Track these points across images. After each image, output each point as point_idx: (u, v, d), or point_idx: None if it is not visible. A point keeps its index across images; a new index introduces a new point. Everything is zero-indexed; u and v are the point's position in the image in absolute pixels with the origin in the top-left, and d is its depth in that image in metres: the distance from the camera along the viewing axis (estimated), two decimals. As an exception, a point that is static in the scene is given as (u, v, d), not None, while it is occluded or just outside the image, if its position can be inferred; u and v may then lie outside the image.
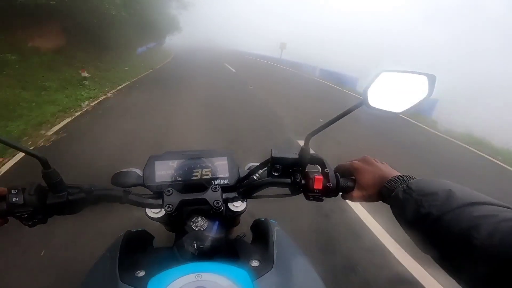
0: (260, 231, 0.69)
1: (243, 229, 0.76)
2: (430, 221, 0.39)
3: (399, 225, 0.46)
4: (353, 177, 0.58)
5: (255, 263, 0.52)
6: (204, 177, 0.63)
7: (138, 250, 0.62)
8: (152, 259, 0.56)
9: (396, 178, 0.50)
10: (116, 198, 0.56)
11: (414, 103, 0.48)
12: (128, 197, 0.56)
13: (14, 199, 0.49)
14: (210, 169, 0.64)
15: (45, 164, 0.49)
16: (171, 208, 0.54)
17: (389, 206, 0.49)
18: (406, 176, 0.50)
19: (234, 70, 14.12)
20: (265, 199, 0.63)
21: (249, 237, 0.73)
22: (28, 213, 0.49)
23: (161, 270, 0.45)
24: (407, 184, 0.46)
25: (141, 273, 0.50)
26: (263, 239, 0.64)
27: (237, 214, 0.66)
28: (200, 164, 0.64)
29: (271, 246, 0.58)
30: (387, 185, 0.50)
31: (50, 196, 0.52)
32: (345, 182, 0.58)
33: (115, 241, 0.62)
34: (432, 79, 0.47)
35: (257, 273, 0.49)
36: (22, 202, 0.49)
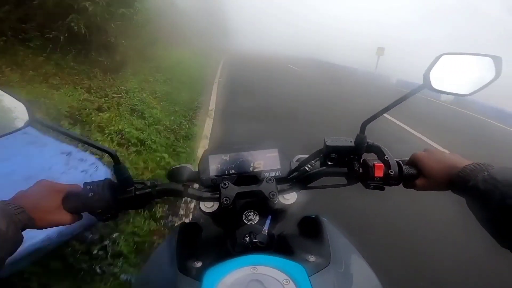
0: (311, 228, 0.67)
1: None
2: None
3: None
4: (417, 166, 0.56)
5: (311, 258, 0.51)
6: (256, 169, 0.64)
7: (191, 242, 0.63)
8: (207, 251, 0.58)
9: (472, 166, 0.45)
10: (178, 193, 0.58)
11: (482, 85, 0.46)
12: (187, 191, 0.58)
13: (89, 195, 0.51)
14: (262, 161, 0.64)
15: (116, 158, 0.52)
16: (228, 201, 0.55)
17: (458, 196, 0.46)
18: (484, 164, 0.45)
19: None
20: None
21: (294, 234, 0.73)
22: (102, 208, 0.52)
23: (216, 261, 0.46)
24: (488, 173, 0.42)
25: (198, 264, 0.51)
26: (314, 236, 0.63)
27: (287, 207, 0.66)
28: (252, 157, 0.64)
29: (326, 242, 0.56)
30: (461, 174, 0.46)
31: (119, 192, 0.54)
32: (408, 169, 0.56)
33: (172, 232, 0.65)
34: (498, 61, 0.45)
35: (314, 268, 0.47)
36: (97, 198, 0.51)
